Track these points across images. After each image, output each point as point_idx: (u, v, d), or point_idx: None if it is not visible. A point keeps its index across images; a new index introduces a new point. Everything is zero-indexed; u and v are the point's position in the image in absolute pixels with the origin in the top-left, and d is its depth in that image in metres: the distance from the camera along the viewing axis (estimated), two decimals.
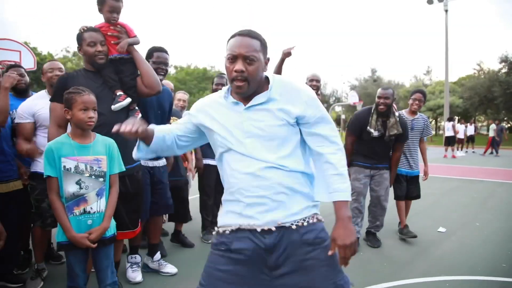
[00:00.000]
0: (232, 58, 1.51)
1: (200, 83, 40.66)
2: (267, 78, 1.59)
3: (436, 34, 77.25)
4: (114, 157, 2.21)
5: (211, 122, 1.59)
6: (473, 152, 19.21)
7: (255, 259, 1.49)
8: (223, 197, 1.62)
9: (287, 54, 3.49)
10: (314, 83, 4.24)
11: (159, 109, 3.17)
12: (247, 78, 1.49)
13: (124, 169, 2.31)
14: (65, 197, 2.05)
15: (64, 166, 2.04)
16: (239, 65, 1.48)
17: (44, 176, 2.05)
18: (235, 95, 1.57)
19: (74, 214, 2.06)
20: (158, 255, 3.30)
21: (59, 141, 2.08)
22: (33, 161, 3.00)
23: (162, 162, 3.26)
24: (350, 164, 3.94)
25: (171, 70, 42.20)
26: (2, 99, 2.73)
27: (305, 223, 1.50)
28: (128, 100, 2.64)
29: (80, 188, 2.07)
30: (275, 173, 1.48)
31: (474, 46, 75.90)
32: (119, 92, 2.63)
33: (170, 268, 3.27)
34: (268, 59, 1.61)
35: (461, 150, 18.90)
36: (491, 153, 17.97)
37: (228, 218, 1.55)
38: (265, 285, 1.51)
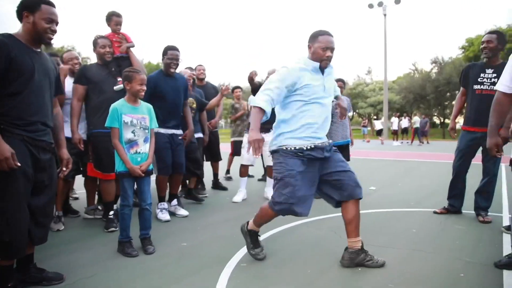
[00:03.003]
0: (325, 49, 2.69)
1: None
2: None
3: (377, 36, 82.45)
4: (152, 117, 3.24)
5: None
6: (408, 143, 21.63)
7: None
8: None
9: (225, 92, 4.80)
10: None
11: (173, 91, 4.16)
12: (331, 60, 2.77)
13: (158, 126, 3.37)
14: (124, 142, 3.04)
15: (124, 120, 3.03)
16: (329, 53, 2.71)
17: (109, 126, 3.01)
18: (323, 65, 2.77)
19: (130, 153, 3.07)
20: (174, 201, 4.39)
21: (120, 104, 3.06)
22: None
23: (178, 132, 4.28)
24: None
25: None
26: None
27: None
28: None
29: (134, 135, 3.08)
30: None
31: (410, 47, 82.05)
32: (119, 79, 3.74)
33: (182, 211, 4.35)
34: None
35: (397, 140, 21.24)
36: (422, 143, 20.67)
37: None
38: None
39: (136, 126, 3.10)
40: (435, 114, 33.37)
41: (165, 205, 4.23)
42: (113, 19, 4.03)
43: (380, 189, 6.01)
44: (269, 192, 5.41)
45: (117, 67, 3.87)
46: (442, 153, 13.68)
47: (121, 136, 3.04)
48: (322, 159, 2.76)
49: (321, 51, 2.72)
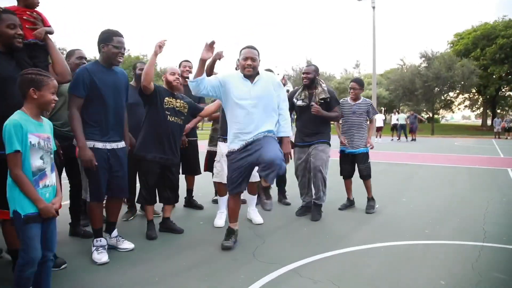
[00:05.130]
0: (245, 58, 3.30)
1: (132, 71, 39.14)
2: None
3: (365, 29, 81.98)
4: (54, 136, 2.31)
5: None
6: (397, 139, 21.12)
7: None
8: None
9: (218, 56, 3.69)
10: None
11: (115, 89, 3.18)
12: (253, 67, 3.32)
13: (56, 148, 2.38)
14: (32, 171, 2.08)
15: (30, 142, 2.07)
16: (249, 61, 3.29)
17: (11, 151, 2.01)
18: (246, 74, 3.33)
19: (39, 187, 2.11)
20: (115, 232, 3.36)
21: (23, 118, 2.08)
22: None
23: (121, 144, 3.26)
24: (292, 146, 4.33)
25: None
26: None
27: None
28: None
29: (43, 163, 2.14)
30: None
31: (398, 41, 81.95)
32: None
33: (127, 244, 3.35)
34: (260, 60, 3.42)
35: (379, 138, 20.69)
36: (413, 139, 20.70)
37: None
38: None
39: (43, 150, 2.11)
40: (424, 109, 32.73)
41: (102, 241, 3.18)
42: None
43: (383, 207, 5.06)
44: (253, 213, 4.41)
45: (30, 59, 2.67)
46: (434, 154, 12.96)
47: (27, 164, 2.06)
48: None
49: (242, 61, 3.33)
